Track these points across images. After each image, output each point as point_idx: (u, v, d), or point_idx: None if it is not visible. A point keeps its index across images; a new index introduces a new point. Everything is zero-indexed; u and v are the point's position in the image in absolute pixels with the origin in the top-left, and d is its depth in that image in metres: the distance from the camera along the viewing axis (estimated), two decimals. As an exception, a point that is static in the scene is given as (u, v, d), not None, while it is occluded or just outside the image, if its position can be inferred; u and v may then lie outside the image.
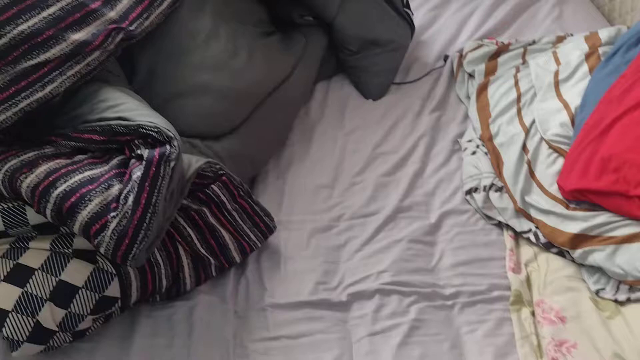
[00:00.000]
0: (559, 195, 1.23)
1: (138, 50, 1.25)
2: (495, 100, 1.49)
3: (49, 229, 1.00)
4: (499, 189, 1.34)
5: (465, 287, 1.20)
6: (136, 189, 0.91)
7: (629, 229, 1.10)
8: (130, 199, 0.91)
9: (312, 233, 1.29)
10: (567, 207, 1.21)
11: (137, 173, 0.93)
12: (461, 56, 1.68)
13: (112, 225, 0.90)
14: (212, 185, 1.10)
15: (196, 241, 1.10)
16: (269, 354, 1.08)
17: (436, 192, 1.40)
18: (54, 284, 0.96)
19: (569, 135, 1.29)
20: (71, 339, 1.01)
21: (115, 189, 0.94)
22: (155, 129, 0.98)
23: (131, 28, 1.14)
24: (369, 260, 1.24)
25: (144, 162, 0.93)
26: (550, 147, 1.30)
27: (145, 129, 0.98)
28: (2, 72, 0.96)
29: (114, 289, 1.00)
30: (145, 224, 0.90)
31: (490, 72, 1.60)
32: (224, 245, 1.13)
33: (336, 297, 1.18)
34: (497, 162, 1.36)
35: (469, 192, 1.37)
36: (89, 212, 0.91)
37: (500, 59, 1.63)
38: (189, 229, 1.09)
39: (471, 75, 1.63)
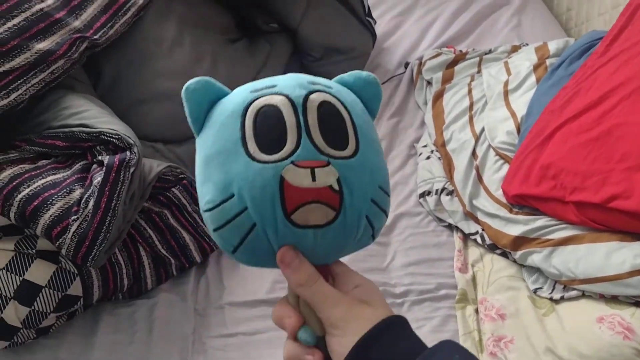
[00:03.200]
0: (504, 200, 1.30)
1: (103, 57, 1.29)
2: (449, 107, 1.56)
3: (13, 231, 1.04)
4: (450, 193, 1.41)
5: (415, 286, 1.27)
6: (96, 193, 0.96)
7: (564, 232, 1.18)
8: (91, 203, 0.96)
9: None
10: (511, 211, 1.28)
11: (98, 178, 0.98)
12: (421, 64, 1.75)
13: (73, 228, 0.95)
14: (173, 189, 1.15)
15: (157, 242, 1.15)
16: (226, 350, 1.14)
17: (392, 195, 1.47)
18: (18, 283, 1.00)
19: (514, 142, 1.36)
20: (35, 336, 1.05)
21: (77, 193, 0.98)
22: (116, 136, 1.03)
23: (95, 37, 1.19)
24: (325, 260, 1.30)
25: (104, 168, 0.98)
26: (497, 154, 1.37)
27: (107, 136, 1.03)
28: (-32, 80, 1.00)
29: (76, 288, 1.05)
30: (105, 227, 0.95)
31: (446, 80, 1.67)
32: (184, 246, 1.19)
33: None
34: (449, 167, 1.44)
35: (422, 195, 1.44)
36: (51, 216, 0.96)
37: (457, 68, 1.70)
38: (149, 230, 1.14)
39: (429, 83, 1.70)
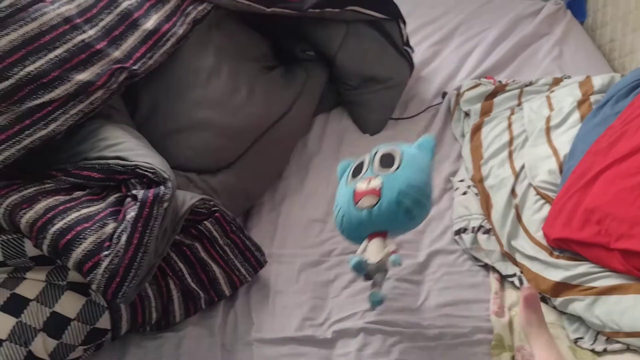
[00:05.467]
0: (544, 242, 1.26)
1: (141, 86, 1.30)
2: (488, 141, 1.52)
3: (45, 261, 1.04)
4: (487, 231, 1.37)
5: (449, 329, 1.22)
6: (129, 228, 0.95)
7: (609, 280, 1.13)
8: (123, 238, 0.95)
9: (302, 267, 1.33)
10: (551, 255, 1.23)
11: (131, 213, 0.97)
12: (459, 94, 1.72)
13: (105, 264, 0.94)
14: (205, 222, 1.14)
15: (187, 275, 1.14)
16: (253, 388, 1.11)
17: (426, 230, 1.43)
18: (48, 314, 1.00)
19: (557, 182, 1.31)
20: (62, 369, 1.05)
21: (110, 227, 0.98)
22: (151, 170, 1.02)
23: (135, 67, 1.19)
24: (355, 298, 1.27)
25: (138, 203, 0.97)
26: (538, 193, 1.33)
27: (142, 169, 1.02)
28: (8, 110, 1.01)
29: (104, 321, 1.04)
30: (136, 263, 0.95)
31: (485, 112, 1.63)
32: (214, 279, 1.17)
33: (321, 334, 1.20)
34: (486, 205, 1.40)
35: (458, 232, 1.40)
36: (83, 250, 0.95)
37: (497, 100, 1.66)
38: (180, 264, 1.13)
39: (467, 114, 1.67)
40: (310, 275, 1.32)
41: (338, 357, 1.17)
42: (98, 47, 1.14)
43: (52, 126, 1.05)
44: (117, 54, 1.17)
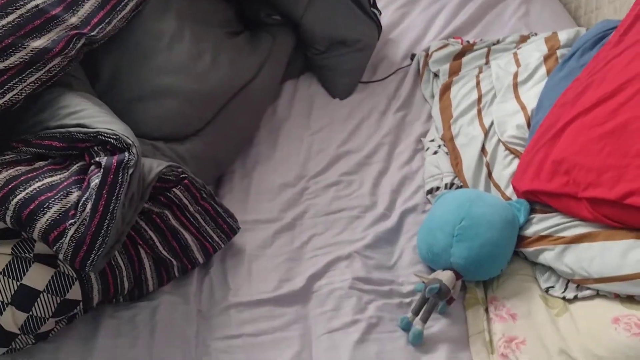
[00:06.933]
0: (514, 197, 1.27)
1: (101, 53, 1.26)
2: (457, 100, 1.52)
3: (10, 234, 1.02)
4: (459, 188, 1.38)
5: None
6: (94, 196, 0.93)
7: (578, 229, 1.14)
8: (88, 206, 0.93)
9: (276, 231, 1.32)
10: (521, 208, 1.25)
11: (95, 180, 0.95)
12: (427, 55, 1.71)
13: (70, 233, 0.92)
14: (174, 189, 1.12)
15: (158, 244, 1.12)
16: (231, 352, 1.11)
17: (400, 191, 1.44)
18: (15, 288, 0.98)
19: (525, 137, 1.32)
20: (34, 341, 1.03)
21: (74, 196, 0.96)
22: (114, 136, 1.00)
23: (93, 33, 1.15)
24: (331, 258, 1.27)
25: (102, 170, 0.95)
26: (507, 148, 1.33)
27: (104, 136, 1.00)
28: (-39, 80, 0.97)
29: (75, 292, 1.02)
30: (103, 231, 0.93)
31: (454, 72, 1.63)
32: (186, 247, 1.16)
33: (298, 294, 1.20)
34: (456, 162, 1.40)
35: (430, 191, 1.40)
36: (47, 220, 0.93)
37: (465, 59, 1.66)
38: (150, 232, 1.11)
39: (436, 75, 1.66)
40: (285, 238, 1.31)
41: (315, 316, 1.18)
42: (53, 12, 1.10)
43: (9, 95, 1.01)
44: (73, 19, 1.13)
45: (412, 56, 1.76)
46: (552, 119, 1.27)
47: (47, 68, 1.07)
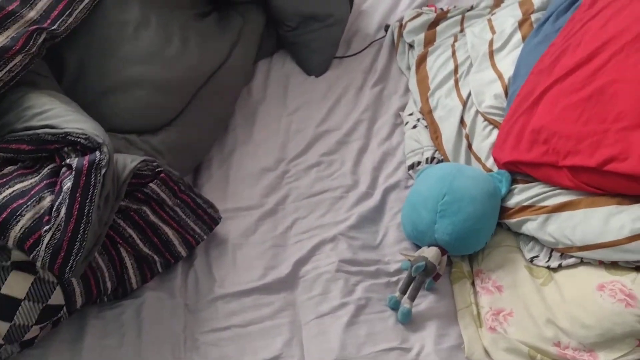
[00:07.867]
0: (495, 168, 1.26)
1: (65, 47, 1.21)
2: (433, 72, 1.50)
3: (-15, 243, 0.99)
4: (440, 161, 1.37)
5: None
6: (67, 200, 0.91)
7: (560, 198, 1.14)
8: (62, 211, 0.91)
9: (259, 218, 1.31)
10: (503, 179, 1.24)
11: (68, 184, 0.92)
12: (401, 26, 1.68)
13: (46, 240, 0.90)
14: (151, 184, 1.10)
15: (138, 241, 1.10)
16: (220, 345, 1.11)
17: (381, 168, 1.42)
18: (-5, 298, 0.96)
19: (503, 106, 1.31)
20: (19, 349, 1.01)
21: (47, 201, 0.93)
22: (84, 136, 0.96)
23: (54, 27, 1.11)
24: (316, 241, 1.26)
25: (73, 172, 0.92)
26: (486, 119, 1.32)
27: (73, 136, 0.97)
28: None
29: (57, 297, 1.00)
30: (79, 235, 0.90)
31: (429, 41, 1.60)
32: (167, 242, 1.14)
33: (285, 280, 1.19)
34: (435, 135, 1.39)
35: (412, 166, 1.39)
36: (21, 228, 0.90)
37: (439, 28, 1.63)
38: (129, 230, 1.09)
39: (411, 46, 1.64)
40: (268, 224, 1.30)
41: (303, 302, 1.17)
42: (10, 8, 1.05)
43: (-30, 99, 0.97)
44: (32, 14, 1.08)
45: (386, 27, 1.73)
46: (529, 86, 1.25)
47: (8, 68, 1.03)
